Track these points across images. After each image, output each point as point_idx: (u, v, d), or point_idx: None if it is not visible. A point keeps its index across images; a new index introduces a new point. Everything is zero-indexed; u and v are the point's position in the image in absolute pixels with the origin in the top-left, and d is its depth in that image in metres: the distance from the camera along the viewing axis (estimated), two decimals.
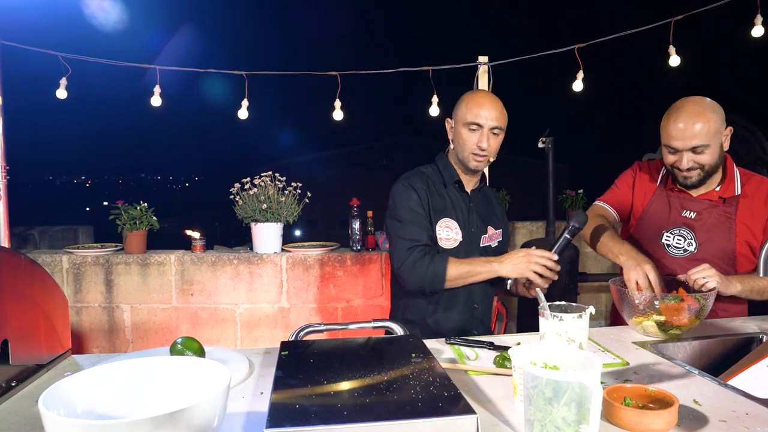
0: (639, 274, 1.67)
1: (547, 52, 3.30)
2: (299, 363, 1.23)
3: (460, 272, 1.76)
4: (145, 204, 3.41)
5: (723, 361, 1.66)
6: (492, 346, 1.53)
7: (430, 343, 1.59)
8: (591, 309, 1.21)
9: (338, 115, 3.44)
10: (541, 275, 1.71)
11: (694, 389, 1.24)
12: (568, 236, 1.73)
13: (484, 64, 3.27)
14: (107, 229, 3.49)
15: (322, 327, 1.47)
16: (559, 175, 4.31)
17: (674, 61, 3.21)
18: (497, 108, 1.83)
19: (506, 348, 1.49)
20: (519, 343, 1.49)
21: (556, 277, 1.75)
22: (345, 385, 1.07)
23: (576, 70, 3.29)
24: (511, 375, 1.32)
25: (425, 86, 3.39)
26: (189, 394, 1.03)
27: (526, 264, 1.68)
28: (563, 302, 1.27)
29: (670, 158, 1.87)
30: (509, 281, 1.89)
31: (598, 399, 0.91)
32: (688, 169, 1.83)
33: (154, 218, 3.43)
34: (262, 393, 1.26)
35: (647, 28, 3.18)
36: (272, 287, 3.41)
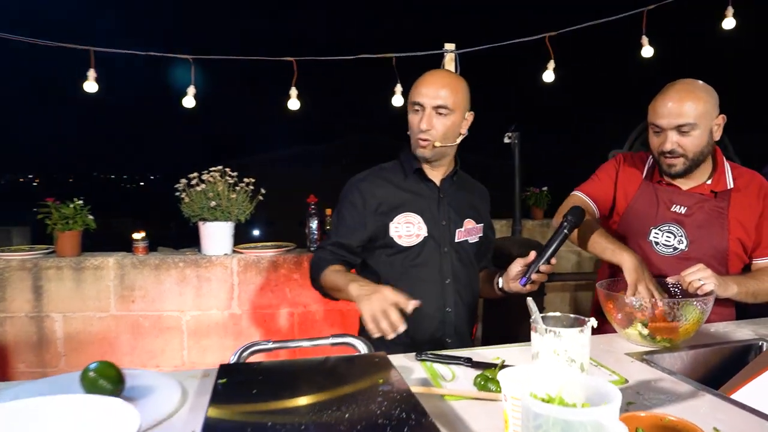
0: (649, 286, 1.51)
1: (516, 40, 3.13)
2: (240, 393, 0.99)
3: (328, 283, 1.61)
4: (80, 201, 3.08)
5: (722, 371, 1.51)
6: (470, 362, 1.32)
7: (398, 360, 1.37)
8: (593, 321, 1.01)
9: (294, 104, 3.18)
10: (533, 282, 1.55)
11: (710, 413, 1.06)
12: (566, 233, 1.55)
13: (451, 51, 3.08)
14: (44, 229, 3.13)
15: (271, 345, 1.23)
16: (522, 171, 4.18)
17: (647, 52, 3.09)
18: (443, 84, 1.61)
19: (487, 365, 1.29)
20: (503, 362, 1.29)
21: (543, 281, 1.58)
22: (296, 423, 0.84)
23: (546, 61, 3.13)
24: (496, 400, 1.12)
25: (388, 75, 3.18)
26: None
27: (374, 309, 1.33)
28: (558, 313, 1.07)
29: (654, 141, 1.72)
30: (499, 279, 1.70)
31: None
32: (671, 153, 1.68)
33: (90, 217, 3.10)
34: (193, 431, 1.01)
35: (620, 18, 3.05)
36: (222, 292, 3.13)
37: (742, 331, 1.64)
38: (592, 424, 0.72)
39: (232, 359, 1.21)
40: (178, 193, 3.08)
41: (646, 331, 1.46)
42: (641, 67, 3.27)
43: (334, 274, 1.59)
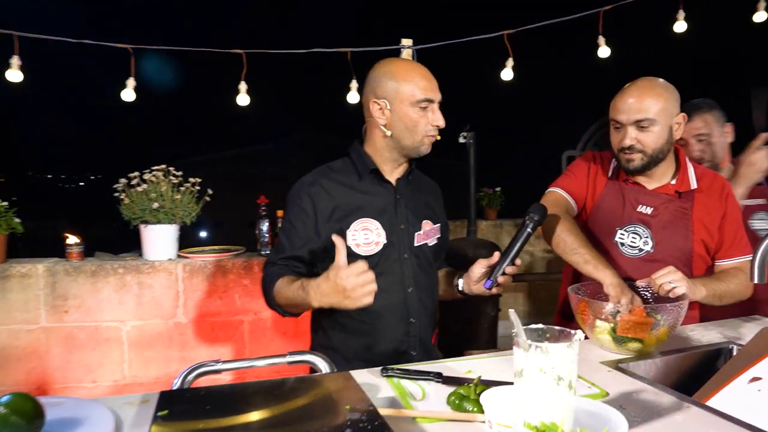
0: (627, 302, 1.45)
1: (475, 37, 3.07)
2: (183, 428, 0.85)
3: (282, 300, 1.46)
4: (5, 203, 2.80)
5: (693, 375, 1.47)
6: (440, 377, 1.22)
7: (362, 376, 1.26)
8: (580, 334, 0.92)
9: (243, 99, 3.00)
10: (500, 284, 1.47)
11: (698, 427, 1.00)
12: (530, 232, 1.47)
13: (409, 47, 2.99)
14: None
15: (220, 366, 1.09)
16: (477, 171, 4.14)
17: (603, 52, 3.09)
18: (434, 79, 1.55)
19: (460, 381, 1.19)
20: (479, 378, 1.19)
21: (509, 282, 1.49)
22: None
23: (505, 59, 3.08)
24: (472, 421, 1.02)
25: (343, 71, 3.06)
26: None
27: (337, 297, 1.29)
28: (541, 325, 0.98)
29: (615, 137, 1.70)
30: (458, 281, 1.61)
31: None
32: (630, 149, 1.65)
33: (17, 220, 2.83)
34: None
35: (577, 17, 3.04)
36: (166, 300, 2.92)
37: (710, 334, 1.61)
38: None
39: (176, 383, 1.06)
40: (117, 194, 2.85)
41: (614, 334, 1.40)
42: (596, 68, 3.27)
43: (284, 289, 1.43)
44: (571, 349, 0.90)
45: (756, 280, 1.19)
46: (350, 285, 1.24)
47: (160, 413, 0.88)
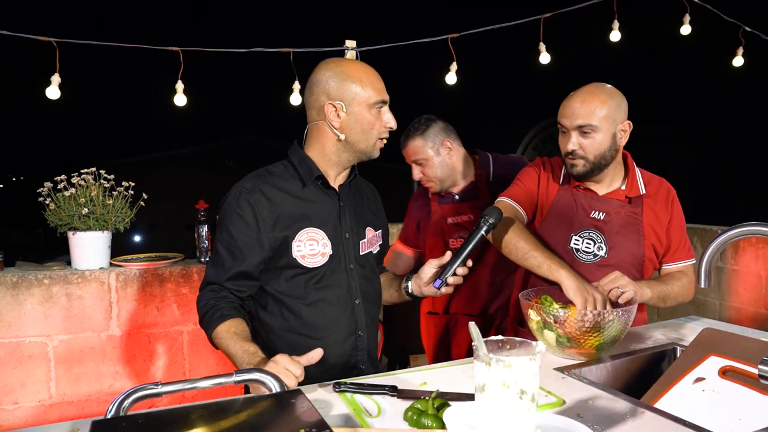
0: (597, 303, 1.46)
1: (419, 40, 3.06)
2: None
3: (219, 346, 1.37)
4: None
5: (641, 378, 1.50)
6: (395, 391, 1.18)
7: (314, 392, 1.20)
8: (542, 346, 0.90)
9: (180, 100, 2.86)
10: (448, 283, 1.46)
11: None
12: (483, 234, 1.45)
13: (352, 49, 2.94)
14: None
15: (160, 389, 1.00)
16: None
17: (544, 58, 3.16)
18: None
19: (416, 394, 1.15)
20: (437, 392, 1.16)
21: (458, 284, 1.48)
22: None
23: (449, 62, 3.09)
24: None
25: (283, 72, 2.97)
26: None
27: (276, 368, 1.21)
28: (500, 336, 0.96)
29: (561, 142, 1.73)
30: (407, 283, 1.57)
31: None
32: (572, 155, 1.67)
33: None
34: None
35: (519, 24, 3.08)
36: (98, 312, 2.74)
37: (655, 336, 1.65)
38: None
39: (110, 411, 0.97)
40: (41, 199, 2.65)
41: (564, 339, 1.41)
42: (535, 74, 3.34)
43: (227, 339, 1.33)
44: (533, 362, 0.88)
45: (703, 285, 1.22)
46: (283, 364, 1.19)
47: None
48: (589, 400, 1.16)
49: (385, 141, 1.50)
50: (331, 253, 1.47)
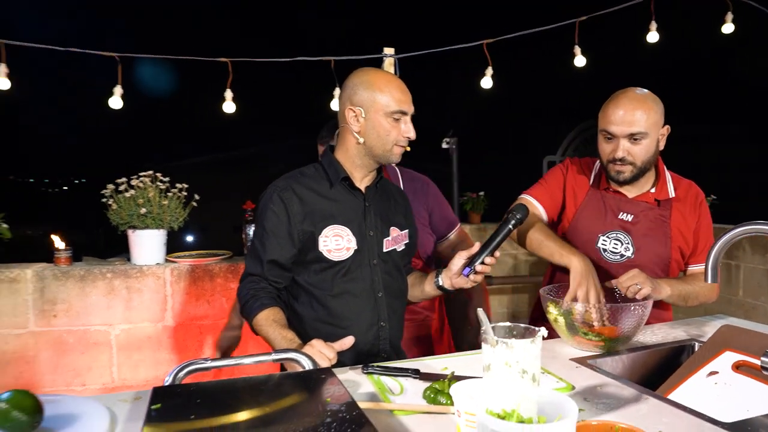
0: (590, 294, 1.53)
1: (455, 46, 3.16)
2: (176, 419, 0.92)
3: (259, 332, 1.52)
4: None
5: (658, 371, 1.56)
6: (418, 374, 1.29)
7: (343, 374, 1.33)
8: (543, 331, 1.00)
9: (229, 107, 3.07)
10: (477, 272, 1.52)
11: (655, 417, 1.08)
12: (511, 228, 1.54)
13: (391, 56, 3.07)
14: None
15: (209, 363, 1.15)
16: (460, 176, 4.23)
17: (579, 61, 3.20)
18: (409, 92, 1.61)
19: (436, 377, 1.27)
20: (453, 373, 1.27)
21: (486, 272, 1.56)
22: None
23: (485, 67, 3.17)
24: (446, 413, 1.09)
25: (326, 79, 3.12)
26: None
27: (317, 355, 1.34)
28: (507, 323, 1.06)
29: (605, 148, 1.74)
30: (438, 278, 1.66)
31: None
32: (621, 161, 1.69)
33: (5, 225, 2.86)
34: None
35: (554, 27, 3.14)
36: (155, 304, 2.97)
37: (675, 332, 1.70)
38: None
39: (167, 380, 1.13)
40: (104, 200, 2.89)
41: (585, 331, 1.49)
42: (575, 76, 3.38)
43: (266, 326, 1.47)
44: (534, 345, 0.98)
45: (709, 281, 1.28)
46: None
47: (153, 407, 0.95)
48: (598, 386, 1.24)
49: (404, 148, 1.60)
50: (355, 248, 1.59)
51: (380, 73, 1.62)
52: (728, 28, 3.41)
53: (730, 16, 3.37)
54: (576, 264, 1.59)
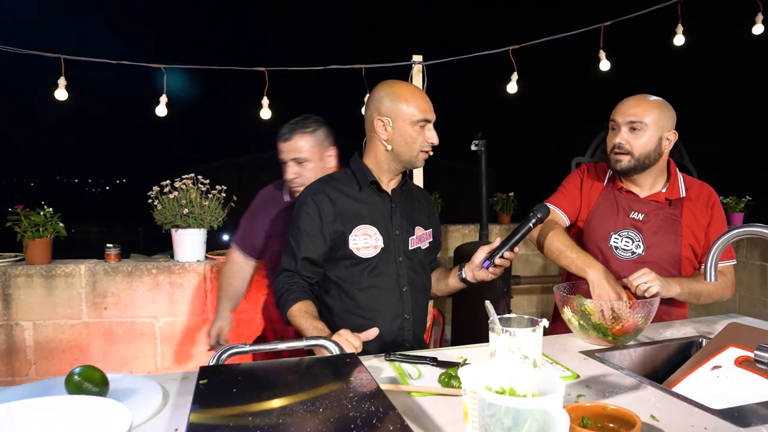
0: (605, 299, 1.62)
1: (481, 52, 3.26)
2: (221, 393, 1.06)
3: (293, 322, 1.65)
4: (50, 209, 3.08)
5: (666, 366, 1.64)
6: (435, 361, 1.41)
7: (368, 360, 1.46)
8: (544, 322, 1.12)
9: (266, 113, 3.24)
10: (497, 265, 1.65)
11: (650, 402, 1.17)
12: (531, 226, 1.65)
13: (419, 63, 3.19)
14: (13, 236, 3.10)
15: (248, 348, 1.30)
16: (489, 177, 4.30)
17: (604, 65, 3.26)
18: (430, 101, 1.76)
19: (451, 364, 1.39)
20: (465, 360, 1.39)
21: (505, 266, 1.68)
22: (274, 419, 0.92)
23: (510, 72, 3.27)
24: (458, 395, 1.21)
25: (357, 86, 3.26)
26: None
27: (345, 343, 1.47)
28: (513, 314, 1.18)
29: (610, 138, 1.87)
30: (461, 271, 1.78)
31: (564, 427, 0.80)
32: (619, 149, 1.82)
33: (61, 224, 3.10)
34: (176, 430, 1.08)
35: (579, 33, 3.21)
36: (195, 298, 3.17)
37: (685, 329, 1.77)
38: (538, 411, 0.82)
39: (212, 362, 1.28)
40: (150, 200, 3.10)
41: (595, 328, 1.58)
42: (600, 80, 3.43)
43: (299, 317, 1.61)
44: (535, 334, 1.09)
45: (709, 279, 1.36)
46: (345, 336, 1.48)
47: (201, 382, 1.10)
48: (601, 376, 1.34)
49: (428, 154, 1.74)
50: (382, 246, 1.73)
51: (404, 85, 1.75)
52: (758, 29, 3.41)
53: (760, 17, 3.37)
54: (592, 276, 1.69)
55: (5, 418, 0.87)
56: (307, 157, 2.10)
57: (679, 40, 3.29)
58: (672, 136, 1.85)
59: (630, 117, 1.81)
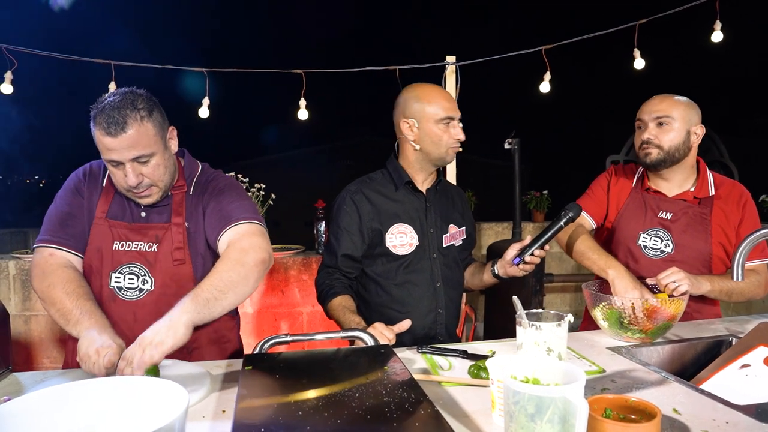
0: (632, 300, 1.64)
1: (514, 52, 3.29)
2: (264, 378, 1.15)
3: (332, 317, 1.74)
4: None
5: (695, 364, 1.66)
6: (465, 354, 1.48)
7: (401, 353, 1.53)
8: (570, 317, 1.17)
9: (303, 114, 3.34)
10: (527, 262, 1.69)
11: (673, 397, 1.21)
12: (562, 225, 1.70)
13: (452, 64, 3.24)
14: None
15: (288, 338, 1.39)
16: (523, 175, 4.32)
17: (639, 64, 3.25)
18: (454, 99, 1.83)
19: (480, 357, 1.45)
20: (494, 353, 1.45)
21: (535, 263, 1.72)
22: (315, 404, 1.00)
23: (543, 72, 3.28)
24: (486, 386, 1.27)
25: (392, 86, 3.33)
26: (143, 419, 0.94)
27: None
28: (540, 309, 1.23)
29: (638, 136, 1.91)
30: (494, 267, 1.83)
31: (584, 415, 0.86)
32: (648, 143, 1.86)
33: None
34: (224, 411, 1.18)
35: (613, 31, 3.20)
36: None
37: (715, 328, 1.79)
38: (560, 399, 0.88)
39: (255, 349, 1.37)
40: None
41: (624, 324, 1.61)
42: (635, 77, 3.41)
43: (338, 311, 1.70)
44: (560, 327, 1.14)
45: (736, 279, 1.39)
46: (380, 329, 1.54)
47: (246, 367, 1.19)
48: (627, 371, 1.38)
49: (457, 149, 1.81)
50: (417, 243, 1.81)
51: (426, 86, 1.82)
52: None
53: None
54: (612, 275, 1.73)
55: (78, 394, 0.98)
56: (152, 150, 1.48)
57: (717, 36, 3.24)
58: (699, 131, 1.87)
59: (656, 113, 1.85)
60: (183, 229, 1.57)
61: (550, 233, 1.70)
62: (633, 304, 1.58)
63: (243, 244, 1.46)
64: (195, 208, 1.60)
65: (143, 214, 1.57)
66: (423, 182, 1.87)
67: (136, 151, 1.42)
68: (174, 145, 1.58)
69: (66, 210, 1.56)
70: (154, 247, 1.55)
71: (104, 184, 1.59)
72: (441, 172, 1.92)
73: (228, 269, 1.40)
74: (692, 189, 1.91)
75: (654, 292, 1.74)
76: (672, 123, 1.83)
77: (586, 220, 2.02)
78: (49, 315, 1.49)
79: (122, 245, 1.54)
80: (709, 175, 1.94)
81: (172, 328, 1.25)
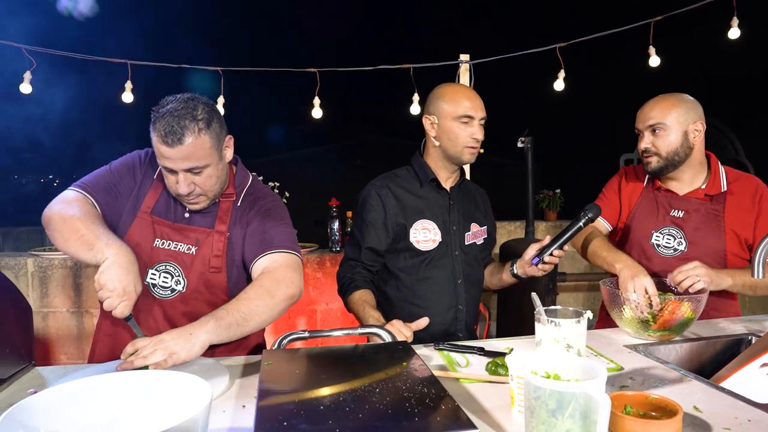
0: (638, 286, 1.64)
1: (528, 51, 3.28)
2: (284, 373, 1.16)
3: (352, 310, 1.76)
4: None
5: (714, 362, 1.65)
6: (483, 351, 1.48)
7: (419, 349, 1.54)
8: (588, 314, 1.16)
9: (317, 113, 3.36)
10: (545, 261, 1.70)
11: (694, 395, 1.21)
12: (582, 225, 1.69)
13: (466, 62, 3.23)
14: None
15: (306, 334, 1.40)
16: (535, 174, 4.30)
17: (654, 61, 3.22)
18: (480, 99, 1.83)
19: (498, 354, 1.45)
20: (511, 350, 1.45)
21: (554, 263, 1.72)
22: (336, 399, 1.00)
23: (557, 70, 3.27)
24: (504, 383, 1.27)
25: (405, 85, 3.34)
26: (166, 413, 0.95)
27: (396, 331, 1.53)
28: (559, 306, 1.23)
29: (639, 145, 1.91)
30: (513, 266, 1.84)
31: (606, 411, 0.86)
32: (646, 152, 1.87)
33: None
34: (244, 406, 1.19)
35: (627, 29, 3.18)
36: None
37: (735, 327, 1.77)
38: (581, 395, 0.88)
39: (274, 345, 1.38)
40: None
41: (648, 318, 1.60)
42: (650, 75, 3.39)
43: (357, 305, 1.71)
44: (579, 324, 1.14)
45: (756, 276, 1.37)
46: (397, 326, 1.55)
47: (266, 363, 1.20)
48: (645, 368, 1.37)
49: (475, 149, 1.81)
50: (440, 240, 1.82)
51: (451, 85, 1.84)
52: None
53: None
54: (619, 267, 1.72)
55: (102, 388, 0.99)
56: (206, 162, 1.49)
57: (734, 33, 3.21)
58: (700, 127, 1.86)
59: (649, 121, 1.85)
60: (224, 238, 1.57)
61: (569, 234, 1.69)
62: (649, 298, 1.58)
63: (277, 275, 1.47)
64: (239, 220, 1.60)
65: (187, 214, 1.58)
66: (447, 180, 1.89)
67: (191, 163, 1.43)
68: (229, 153, 1.57)
69: (116, 182, 1.57)
70: (193, 249, 1.56)
71: (155, 177, 1.60)
72: (463, 171, 1.94)
73: (257, 297, 1.41)
74: (703, 186, 1.90)
75: (674, 290, 1.73)
76: (666, 128, 1.83)
77: (601, 224, 2.03)
78: (61, 243, 1.45)
79: (162, 243, 1.56)
80: (722, 170, 1.92)
81: (189, 342, 1.27)
